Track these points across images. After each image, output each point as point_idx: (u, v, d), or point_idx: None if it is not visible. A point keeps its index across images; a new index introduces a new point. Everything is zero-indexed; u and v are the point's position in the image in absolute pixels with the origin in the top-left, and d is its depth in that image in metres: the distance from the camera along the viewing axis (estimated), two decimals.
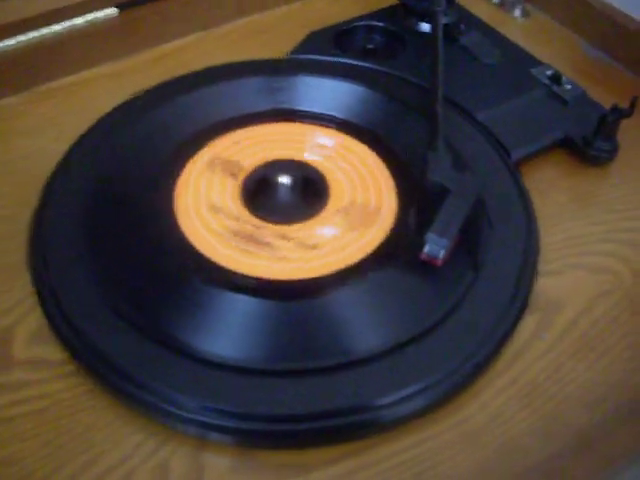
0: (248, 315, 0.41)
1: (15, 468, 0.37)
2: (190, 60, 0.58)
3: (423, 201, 0.45)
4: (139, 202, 0.46)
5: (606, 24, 0.60)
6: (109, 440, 0.38)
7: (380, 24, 0.61)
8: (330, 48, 0.58)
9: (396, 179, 0.48)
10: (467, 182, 0.44)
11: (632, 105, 0.50)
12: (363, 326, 0.41)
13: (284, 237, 0.44)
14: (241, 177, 0.48)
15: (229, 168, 0.48)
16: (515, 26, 0.64)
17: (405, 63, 0.57)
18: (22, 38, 0.55)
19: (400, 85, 0.55)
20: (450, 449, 0.38)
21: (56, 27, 0.56)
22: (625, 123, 0.51)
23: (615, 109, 0.50)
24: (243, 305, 0.41)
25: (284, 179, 0.48)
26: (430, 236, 0.41)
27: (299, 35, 0.59)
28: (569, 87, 0.54)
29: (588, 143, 0.51)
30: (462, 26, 0.59)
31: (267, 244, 0.44)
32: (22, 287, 0.44)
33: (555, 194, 0.50)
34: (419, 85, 0.54)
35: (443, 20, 0.56)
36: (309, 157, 0.49)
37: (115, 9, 0.58)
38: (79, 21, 0.57)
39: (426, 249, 0.41)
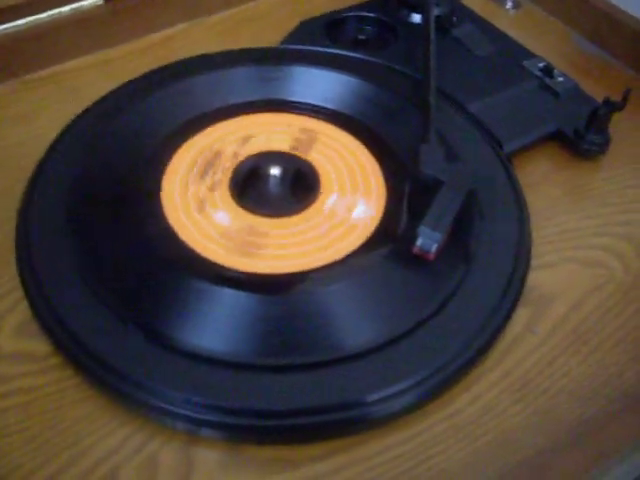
0: (236, 309, 0.40)
1: (0, 463, 0.36)
2: (179, 49, 0.58)
3: (415, 193, 0.45)
4: (126, 194, 0.45)
5: (598, 17, 0.60)
6: (96, 434, 0.37)
7: (372, 14, 0.60)
8: (321, 38, 0.57)
9: (386, 170, 0.48)
10: (460, 174, 0.44)
11: (624, 98, 0.49)
12: (353, 320, 0.41)
13: (272, 230, 0.44)
14: (229, 169, 0.47)
15: (217, 159, 0.48)
16: (507, 18, 0.64)
17: (396, 54, 0.56)
18: (8, 26, 0.55)
19: (391, 76, 0.54)
20: (442, 443, 0.38)
21: (43, 15, 0.55)
22: (617, 116, 0.51)
23: (607, 102, 0.50)
24: (231, 299, 0.40)
25: (273, 171, 0.47)
26: (423, 229, 0.41)
27: (290, 25, 0.59)
28: (561, 79, 0.54)
29: (580, 136, 0.51)
30: (454, 18, 0.59)
31: (255, 237, 0.43)
32: (10, 279, 0.43)
33: (548, 187, 0.50)
34: (411, 76, 0.54)
35: (435, 12, 0.56)
36: (298, 148, 0.49)
37: None
38: (66, 9, 0.56)
39: (418, 243, 0.41)
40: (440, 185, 0.43)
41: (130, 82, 0.53)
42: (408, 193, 0.45)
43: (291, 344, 0.39)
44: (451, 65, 0.55)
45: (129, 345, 0.39)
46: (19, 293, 0.42)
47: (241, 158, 0.48)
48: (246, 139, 0.49)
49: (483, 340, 0.40)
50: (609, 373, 0.40)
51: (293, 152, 0.48)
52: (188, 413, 0.37)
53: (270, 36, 0.59)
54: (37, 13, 0.55)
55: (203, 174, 0.47)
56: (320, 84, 0.53)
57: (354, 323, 0.40)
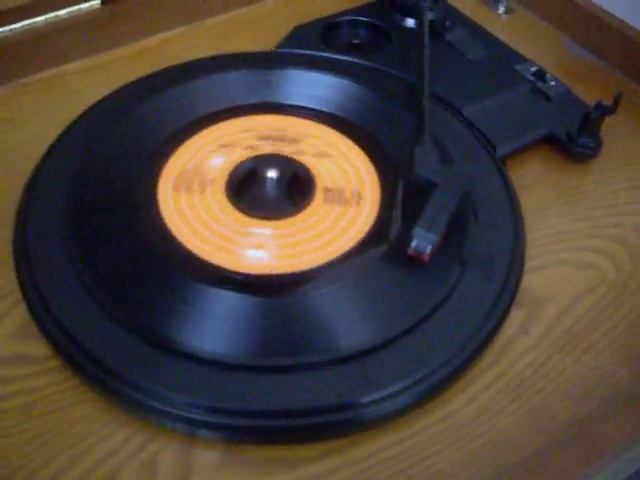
0: (234, 311, 0.40)
1: (0, 464, 0.36)
2: (175, 53, 0.58)
3: (409, 195, 0.45)
4: (124, 197, 0.45)
5: (589, 21, 0.60)
6: (96, 435, 0.37)
7: (366, 19, 0.61)
8: (316, 42, 0.58)
9: (380, 172, 0.48)
10: (454, 176, 0.44)
11: (616, 102, 0.50)
12: (349, 322, 0.41)
13: (269, 232, 0.44)
14: (226, 171, 0.47)
15: (214, 162, 0.48)
16: (499, 23, 0.64)
17: (390, 58, 0.57)
18: (5, 29, 0.55)
19: (385, 79, 0.55)
20: (438, 443, 0.38)
21: (40, 19, 0.55)
22: (608, 119, 0.51)
23: (599, 106, 0.50)
24: (229, 301, 0.41)
25: (270, 173, 0.48)
26: (417, 231, 0.41)
27: (285, 29, 0.59)
28: (553, 84, 0.55)
29: (572, 139, 0.51)
30: (447, 22, 0.59)
31: (251, 239, 0.44)
32: (8, 282, 0.43)
33: (540, 190, 0.50)
34: (405, 80, 0.54)
35: (429, 16, 0.56)
36: (294, 151, 0.49)
37: (98, 1, 0.58)
38: (63, 13, 0.56)
39: (413, 244, 0.41)
40: (434, 187, 0.43)
41: (127, 85, 0.53)
42: (403, 195, 0.46)
43: (287, 345, 0.39)
44: (444, 69, 0.56)
45: (128, 347, 0.39)
46: (17, 295, 0.42)
47: (237, 161, 0.48)
48: (241, 141, 0.49)
49: (478, 341, 0.41)
50: (602, 373, 0.41)
51: (288, 155, 0.49)
52: (187, 414, 0.37)
53: (265, 40, 0.59)
54: (34, 16, 0.55)
55: (201, 177, 0.47)
56: (314, 87, 0.53)
57: (350, 324, 0.41)
